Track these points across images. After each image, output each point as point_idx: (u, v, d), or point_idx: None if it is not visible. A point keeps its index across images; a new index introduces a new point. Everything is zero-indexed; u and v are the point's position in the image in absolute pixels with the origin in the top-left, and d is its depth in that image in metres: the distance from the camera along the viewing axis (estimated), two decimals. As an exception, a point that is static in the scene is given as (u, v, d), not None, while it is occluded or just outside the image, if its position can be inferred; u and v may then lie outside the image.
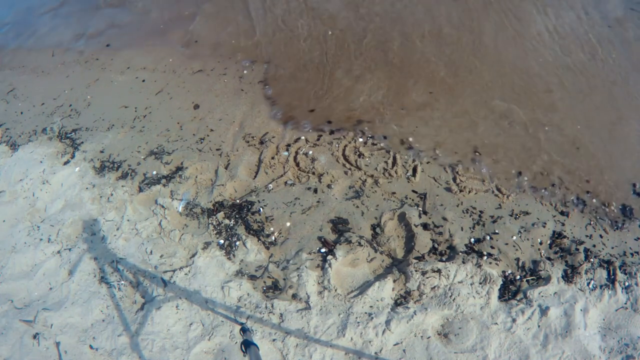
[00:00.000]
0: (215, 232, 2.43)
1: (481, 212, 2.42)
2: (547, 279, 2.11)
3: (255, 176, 2.70)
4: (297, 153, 2.80)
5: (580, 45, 3.35)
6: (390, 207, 2.45)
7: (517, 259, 2.21)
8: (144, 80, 3.63)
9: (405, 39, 3.53)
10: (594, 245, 2.26)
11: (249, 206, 2.53)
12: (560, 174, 2.53)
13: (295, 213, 2.48)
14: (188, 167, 2.79)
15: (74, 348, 2.08)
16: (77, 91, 3.70)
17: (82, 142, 3.16)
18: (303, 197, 2.55)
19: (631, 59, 3.23)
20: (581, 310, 2.00)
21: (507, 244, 2.26)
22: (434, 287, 2.09)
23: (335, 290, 2.12)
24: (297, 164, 2.74)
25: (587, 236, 2.30)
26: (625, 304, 2.05)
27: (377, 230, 2.36)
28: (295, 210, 2.49)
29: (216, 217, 2.48)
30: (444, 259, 2.22)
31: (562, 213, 2.40)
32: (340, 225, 2.39)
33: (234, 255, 2.32)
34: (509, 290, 2.11)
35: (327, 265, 2.19)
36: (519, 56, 3.32)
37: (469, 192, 2.50)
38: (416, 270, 2.13)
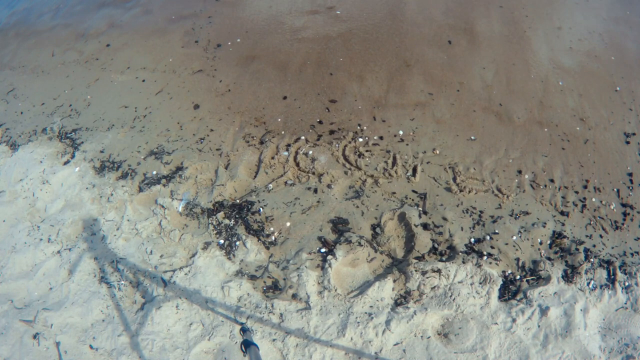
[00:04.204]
0: (215, 232, 2.43)
1: (481, 212, 2.42)
2: (547, 279, 2.11)
3: (255, 176, 2.70)
4: (297, 153, 2.80)
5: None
6: (390, 207, 2.45)
7: (517, 259, 2.21)
8: (144, 80, 3.63)
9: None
10: (594, 245, 2.26)
11: (249, 206, 2.53)
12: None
13: (295, 213, 2.48)
14: (188, 167, 2.79)
15: (74, 348, 2.08)
16: (77, 91, 3.71)
17: (82, 142, 3.16)
18: (303, 197, 2.55)
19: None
20: (581, 310, 2.00)
21: (507, 244, 2.26)
22: (434, 287, 2.09)
23: (335, 290, 2.12)
24: (297, 164, 2.73)
25: (587, 236, 2.30)
26: (625, 304, 2.05)
27: (377, 230, 2.36)
28: (295, 210, 2.49)
29: (216, 217, 2.48)
30: (444, 259, 2.22)
31: (562, 213, 2.40)
32: (340, 225, 2.39)
33: (234, 255, 2.32)
34: (509, 290, 2.11)
35: (327, 265, 2.19)
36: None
37: (469, 192, 2.50)
38: (416, 270, 2.13)
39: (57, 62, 4.16)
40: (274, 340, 1.98)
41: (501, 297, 2.08)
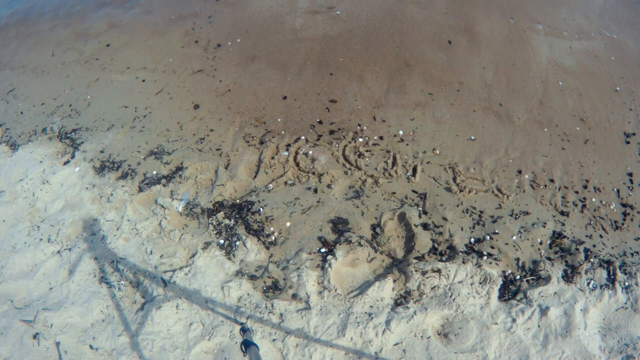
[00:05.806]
0: (215, 232, 2.43)
1: (481, 212, 2.42)
2: (547, 279, 2.11)
3: (255, 176, 2.70)
4: (297, 153, 2.80)
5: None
6: (390, 207, 2.45)
7: (517, 259, 2.21)
8: (144, 80, 3.63)
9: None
10: (594, 245, 2.26)
11: (249, 206, 2.53)
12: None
13: (295, 213, 2.48)
14: (188, 167, 2.78)
15: (74, 348, 2.08)
16: (77, 91, 3.70)
17: (82, 142, 3.16)
18: (303, 197, 2.55)
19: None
20: (581, 310, 2.00)
21: (507, 244, 2.26)
22: (434, 287, 2.09)
23: (335, 290, 2.12)
24: (297, 164, 2.73)
25: (587, 236, 2.31)
26: (625, 304, 2.05)
27: (377, 230, 2.36)
28: (295, 210, 2.49)
29: (216, 217, 2.48)
30: (444, 259, 2.22)
31: (562, 213, 2.40)
32: (340, 225, 2.39)
33: (234, 255, 2.32)
34: (509, 290, 2.11)
35: (327, 265, 2.19)
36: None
37: (469, 192, 2.50)
38: (416, 270, 2.13)
39: (57, 62, 4.16)
40: (274, 340, 1.98)
41: (501, 297, 2.08)
